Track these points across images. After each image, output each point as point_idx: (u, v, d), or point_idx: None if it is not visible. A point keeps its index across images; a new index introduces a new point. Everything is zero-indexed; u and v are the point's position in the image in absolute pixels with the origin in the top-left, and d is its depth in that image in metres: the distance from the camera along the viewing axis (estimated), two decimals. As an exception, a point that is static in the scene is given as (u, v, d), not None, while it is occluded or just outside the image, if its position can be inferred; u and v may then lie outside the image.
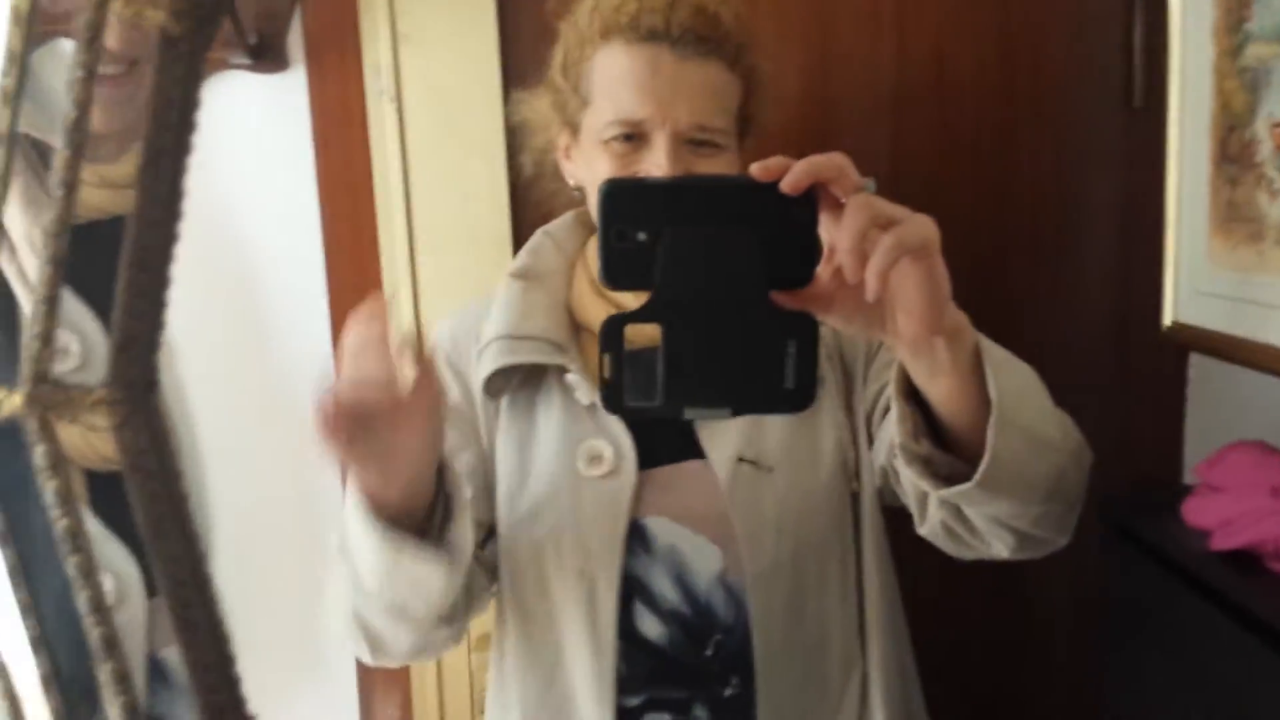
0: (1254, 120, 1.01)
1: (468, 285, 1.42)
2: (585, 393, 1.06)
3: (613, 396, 0.71)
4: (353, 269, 1.48)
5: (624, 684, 1.05)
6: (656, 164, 0.99)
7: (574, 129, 1.07)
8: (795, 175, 0.70)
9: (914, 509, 0.96)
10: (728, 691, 1.05)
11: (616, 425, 1.05)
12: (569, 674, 1.07)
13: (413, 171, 1.43)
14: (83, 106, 0.55)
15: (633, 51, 1.01)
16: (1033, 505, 0.85)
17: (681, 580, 1.04)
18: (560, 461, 1.07)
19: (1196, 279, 1.13)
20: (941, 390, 0.80)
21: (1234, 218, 1.05)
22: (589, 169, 1.05)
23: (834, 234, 0.72)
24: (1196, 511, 1.04)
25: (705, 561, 1.04)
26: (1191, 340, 1.14)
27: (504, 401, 1.11)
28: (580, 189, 1.12)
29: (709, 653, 1.05)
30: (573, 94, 1.06)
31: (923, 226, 0.72)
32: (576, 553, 1.05)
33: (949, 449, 0.84)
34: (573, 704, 1.07)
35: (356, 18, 1.41)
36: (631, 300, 1.06)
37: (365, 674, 1.55)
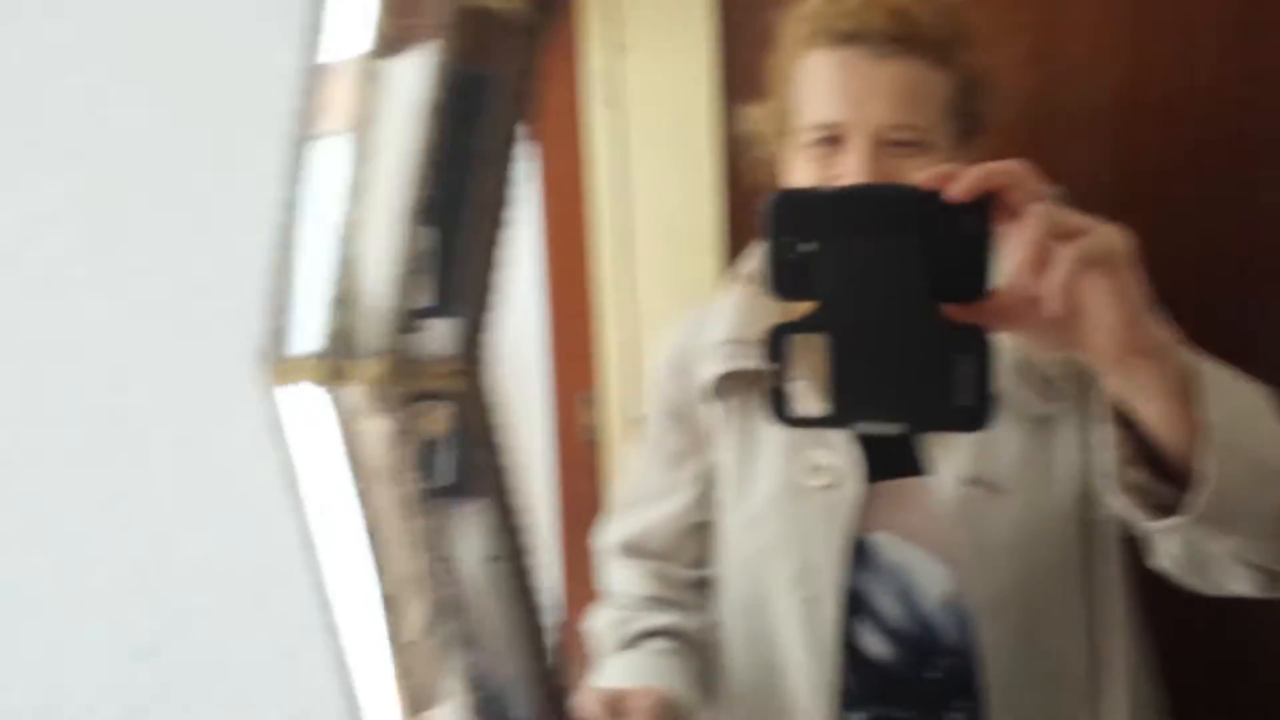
0: None
1: (682, 293, 1.47)
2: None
3: (781, 406, 0.72)
4: (567, 273, 1.56)
5: (848, 699, 1.06)
6: (852, 166, 0.99)
7: (784, 140, 1.09)
8: (963, 183, 0.68)
9: (1141, 540, 0.91)
10: (952, 716, 1.04)
11: (841, 436, 1.05)
12: (790, 683, 1.08)
13: (630, 178, 1.49)
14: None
15: (828, 56, 1.01)
16: (1266, 540, 0.80)
17: (907, 599, 1.04)
18: (783, 471, 1.07)
19: None
20: (1152, 414, 0.76)
21: None
22: (794, 175, 1.06)
23: (1012, 246, 0.70)
24: None
25: (932, 582, 1.04)
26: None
27: (727, 406, 1.12)
28: None
29: (935, 675, 1.04)
30: (780, 103, 1.09)
31: (1108, 237, 0.69)
32: (797, 564, 1.06)
33: (1170, 479, 0.79)
34: (793, 715, 1.08)
35: (573, 27, 1.46)
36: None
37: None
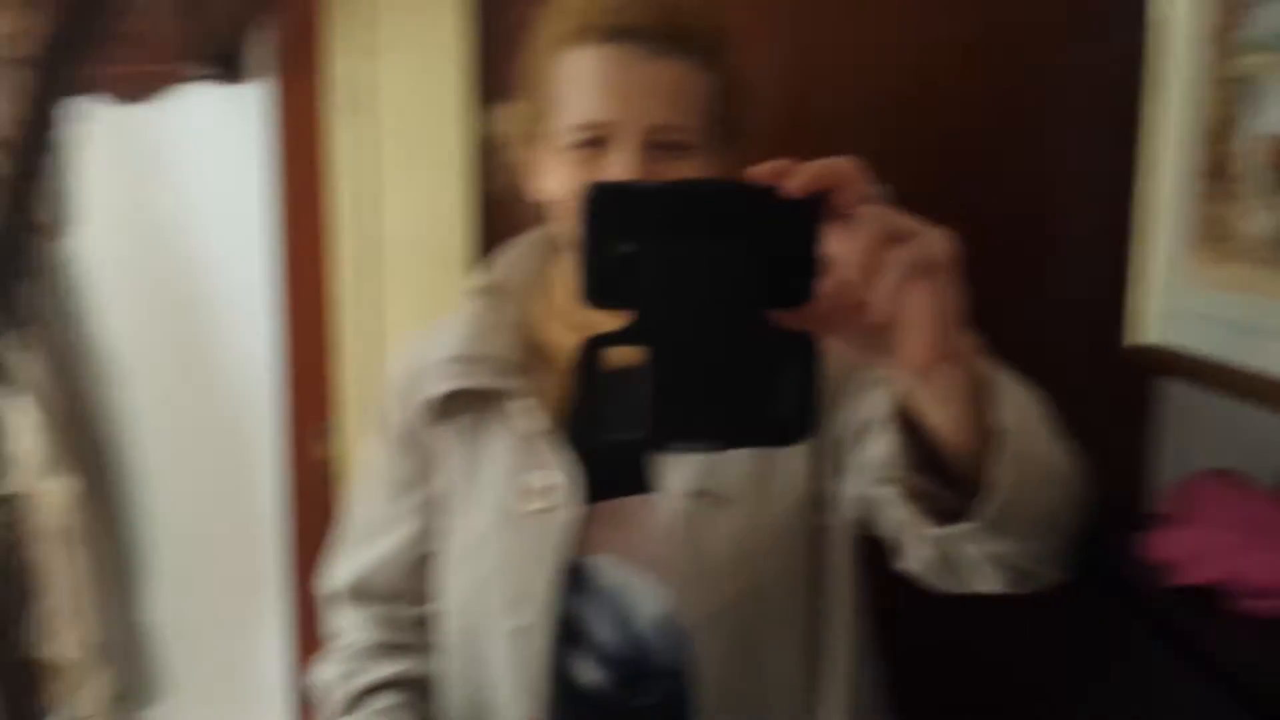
0: (1238, 133, 0.99)
1: (433, 304, 1.38)
2: (534, 421, 1.01)
3: (589, 428, 0.65)
4: (306, 287, 1.44)
5: None
6: (623, 165, 0.95)
7: (538, 140, 1.03)
8: (798, 179, 0.64)
9: (893, 542, 0.89)
10: None
11: (562, 456, 1.00)
12: (502, 718, 1.03)
13: (379, 187, 1.40)
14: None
15: (593, 53, 0.97)
16: (1038, 541, 0.78)
17: (624, 622, 0.99)
18: (500, 495, 1.02)
19: (1173, 299, 1.11)
20: (945, 420, 0.73)
21: (1215, 235, 1.02)
22: (550, 179, 1.01)
23: (839, 248, 0.65)
24: (1163, 544, 1.00)
25: (650, 602, 0.99)
26: (1163, 363, 1.11)
27: (455, 428, 1.05)
28: (545, 205, 1.06)
29: (648, 700, 1.00)
30: (534, 104, 1.02)
31: (940, 242, 0.66)
32: (510, 593, 1.00)
33: (949, 484, 0.76)
34: None
35: (318, 30, 1.37)
36: (601, 321, 1.02)
37: (304, 711, 1.49)
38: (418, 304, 1.42)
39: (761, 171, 0.64)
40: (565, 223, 1.00)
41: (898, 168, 1.32)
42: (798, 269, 0.66)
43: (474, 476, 1.04)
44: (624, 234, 0.63)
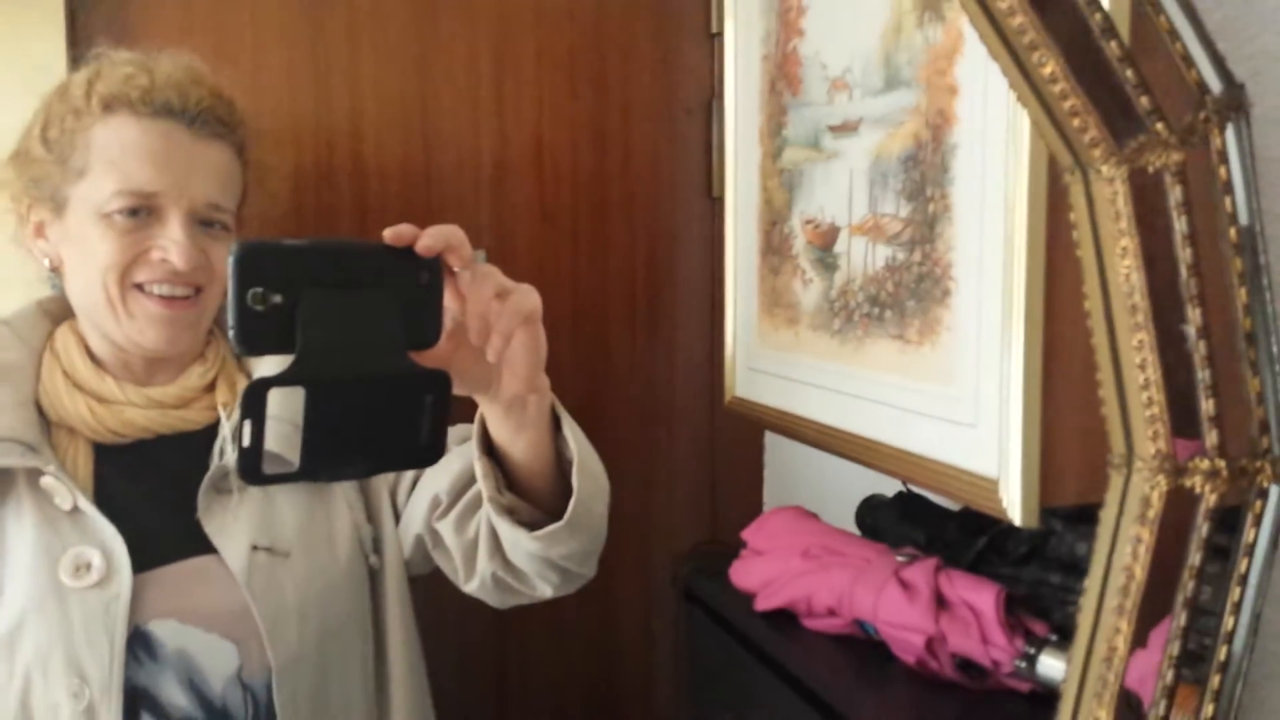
0: (791, 216, 1.14)
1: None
2: (65, 497, 0.98)
3: (252, 466, 0.69)
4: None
5: None
6: (174, 239, 0.98)
7: (57, 204, 1.01)
8: (428, 240, 0.75)
9: (460, 569, 1.02)
10: None
11: (105, 528, 0.98)
12: None
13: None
14: None
15: (145, 125, 0.99)
16: (592, 541, 0.94)
17: (193, 685, 0.98)
18: (39, 575, 0.97)
19: (749, 357, 1.25)
20: (525, 444, 0.88)
21: (776, 303, 1.18)
22: (80, 246, 0.99)
23: (452, 301, 0.78)
24: (741, 574, 1.12)
25: (219, 661, 0.99)
26: (747, 413, 1.25)
27: None
28: (56, 270, 1.05)
29: None
30: (58, 165, 1.00)
31: (532, 295, 0.81)
32: (69, 672, 0.95)
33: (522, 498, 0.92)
34: None
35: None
36: (118, 390, 1.03)
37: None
38: None
39: (391, 233, 0.74)
40: (91, 289, 0.99)
41: (519, 233, 1.45)
42: (426, 317, 0.76)
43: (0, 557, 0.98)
44: (273, 286, 0.69)
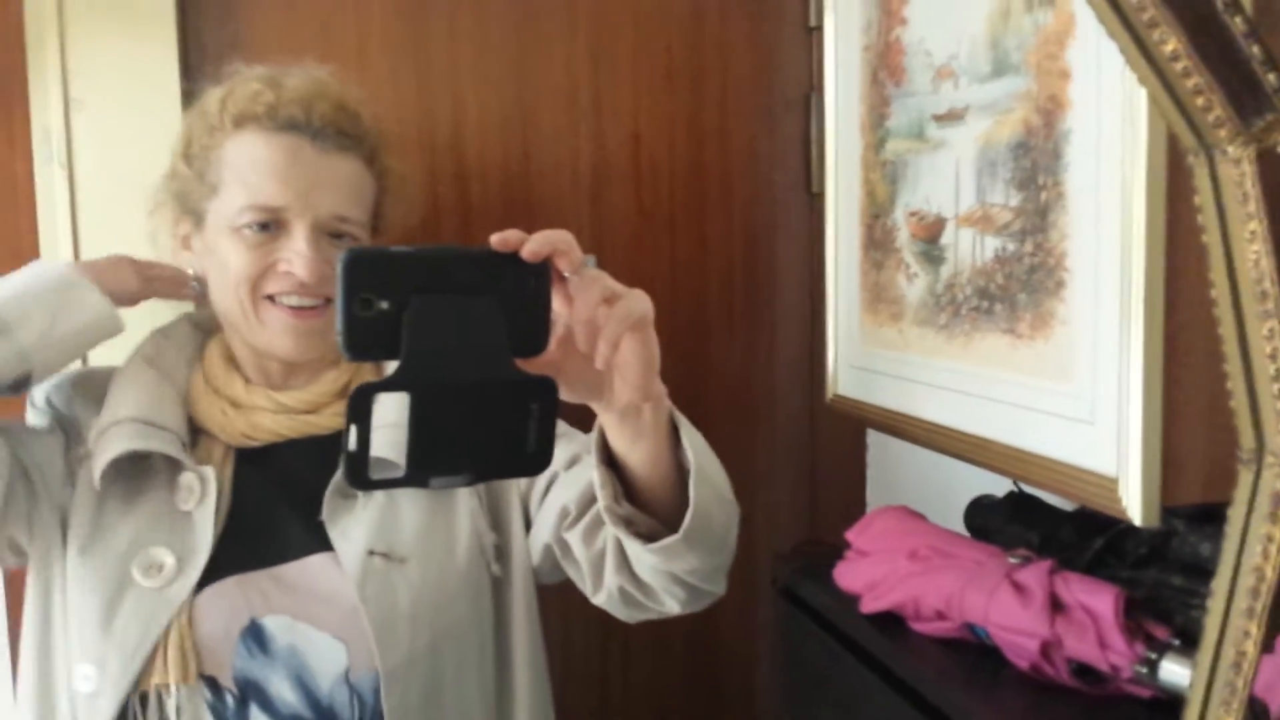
0: (894, 209, 1.12)
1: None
2: (192, 498, 1.02)
3: (357, 471, 0.69)
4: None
5: None
6: (298, 252, 1.00)
7: (198, 217, 1.06)
8: (535, 245, 0.74)
9: (588, 580, 0.99)
10: None
11: (204, 537, 1.01)
12: None
13: (84, 243, 1.34)
14: None
15: (271, 140, 1.02)
16: (715, 557, 0.90)
17: (302, 682, 1.00)
18: (118, 564, 1.01)
19: (851, 354, 1.23)
20: (642, 454, 0.84)
21: (879, 298, 1.15)
22: (216, 258, 1.04)
23: (561, 306, 0.77)
24: (846, 575, 1.10)
25: (328, 661, 1.00)
26: (850, 411, 1.23)
27: (103, 482, 1.02)
28: (200, 280, 1.09)
29: None
30: (197, 181, 1.05)
31: (643, 301, 0.78)
32: (92, 659, 0.99)
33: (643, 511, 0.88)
34: None
35: (26, 80, 1.32)
36: (247, 395, 1.07)
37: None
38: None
39: (498, 239, 0.74)
40: (227, 299, 1.04)
41: (617, 233, 1.45)
42: (534, 323, 0.75)
43: (109, 535, 1.01)
44: (380, 292, 0.69)
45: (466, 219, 1.44)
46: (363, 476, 0.69)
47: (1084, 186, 0.84)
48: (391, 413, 0.71)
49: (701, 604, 0.96)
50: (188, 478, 1.03)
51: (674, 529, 0.85)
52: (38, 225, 1.35)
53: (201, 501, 1.02)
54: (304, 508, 1.03)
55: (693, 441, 0.86)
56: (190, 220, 1.07)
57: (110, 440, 1.01)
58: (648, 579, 0.92)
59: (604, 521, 0.90)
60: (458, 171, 1.43)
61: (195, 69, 1.32)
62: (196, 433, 1.08)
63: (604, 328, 0.76)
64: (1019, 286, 0.92)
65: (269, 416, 1.06)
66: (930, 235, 1.04)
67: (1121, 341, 0.80)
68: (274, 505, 1.05)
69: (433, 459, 0.71)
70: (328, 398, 1.09)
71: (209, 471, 1.03)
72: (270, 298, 1.03)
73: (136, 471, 1.03)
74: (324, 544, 1.02)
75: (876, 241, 1.15)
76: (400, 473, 0.71)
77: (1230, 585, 0.62)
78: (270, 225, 1.01)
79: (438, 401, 0.70)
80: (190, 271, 1.10)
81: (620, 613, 1.00)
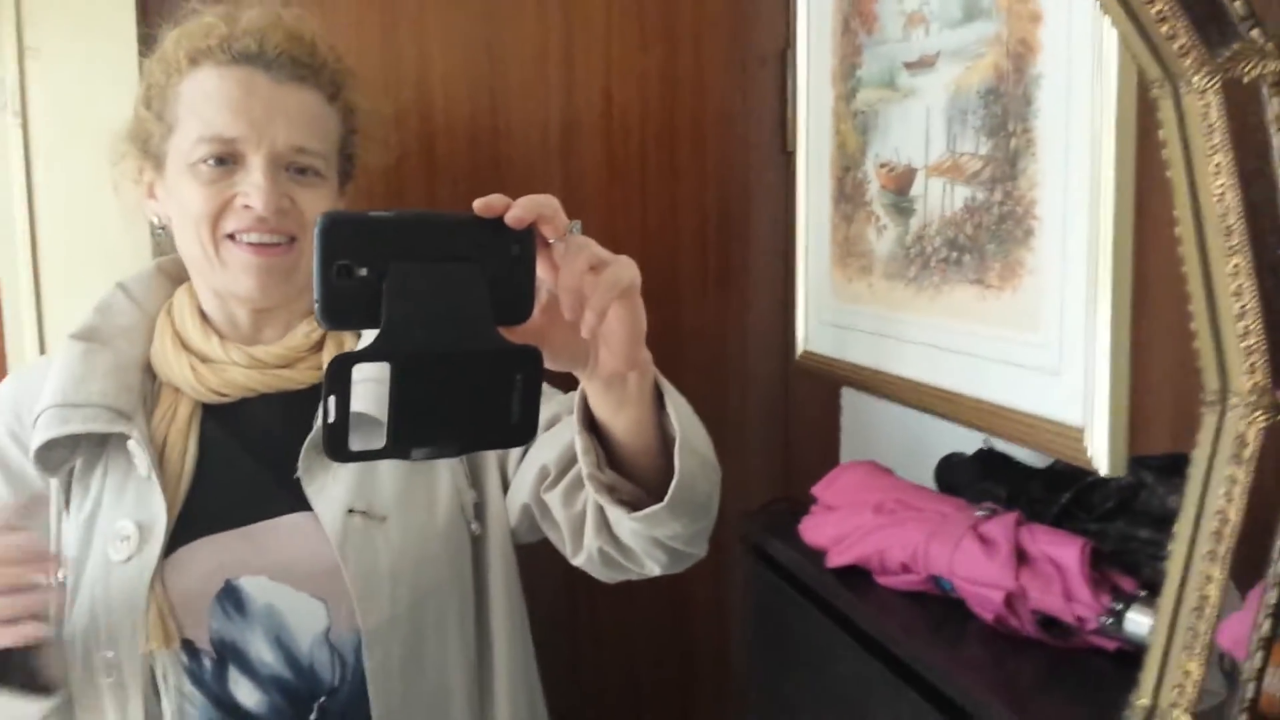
0: (865, 160, 1.10)
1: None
2: (144, 463, 0.99)
3: (337, 442, 0.67)
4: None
5: None
6: (254, 184, 0.97)
7: (158, 161, 1.02)
8: (519, 210, 0.71)
9: (567, 542, 0.98)
10: None
11: (155, 500, 0.99)
12: None
13: (37, 191, 1.32)
14: None
15: (224, 73, 0.99)
16: (698, 522, 0.88)
17: (281, 642, 0.99)
18: (92, 545, 0.99)
19: (822, 310, 1.22)
20: (627, 421, 0.82)
21: (849, 253, 1.14)
22: (176, 200, 1.00)
23: (546, 273, 0.74)
24: (811, 530, 1.09)
25: (307, 620, 0.99)
26: (819, 368, 1.22)
27: (74, 474, 1.01)
28: (165, 228, 1.06)
29: (312, 718, 0.99)
30: (157, 123, 1.01)
31: (629, 268, 0.75)
32: (107, 643, 0.98)
33: (625, 478, 0.86)
34: None
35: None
36: (207, 344, 1.04)
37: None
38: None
39: (481, 204, 0.71)
40: (188, 241, 1.01)
41: (588, 190, 1.43)
42: (517, 290, 0.72)
43: (92, 523, 1.01)
44: (359, 259, 0.67)
45: (431, 175, 1.41)
46: (342, 448, 0.67)
47: (1053, 133, 0.83)
48: (372, 369, 0.69)
49: (682, 566, 0.94)
50: (133, 444, 1.00)
51: (657, 495, 0.83)
52: (-5, 176, 1.32)
53: (152, 466, 0.99)
54: (278, 465, 1.01)
55: (678, 408, 0.84)
56: (152, 165, 1.03)
57: (35, 435, 1.00)
58: (629, 542, 0.90)
59: (584, 484, 0.88)
60: (423, 128, 1.40)
61: (153, 13, 1.28)
62: (159, 390, 1.05)
63: (590, 296, 0.73)
64: (988, 236, 0.91)
65: (240, 372, 1.03)
66: (900, 186, 1.03)
67: (1089, 290, 0.79)
68: (245, 463, 1.03)
69: (414, 430, 0.69)
70: (301, 352, 1.06)
71: (145, 446, 1.00)
72: (231, 236, 0.99)
73: (90, 448, 1.01)
74: (300, 502, 1.00)
75: (847, 195, 1.14)
76: (380, 444, 0.68)
77: (1193, 529, 0.61)
78: (227, 159, 0.98)
79: (418, 371, 0.68)
80: (155, 221, 1.07)
81: (599, 574, 0.98)
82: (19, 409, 1.04)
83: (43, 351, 1.32)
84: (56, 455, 1.00)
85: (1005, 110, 0.88)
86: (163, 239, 1.08)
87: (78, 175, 1.30)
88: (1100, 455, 0.79)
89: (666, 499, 0.82)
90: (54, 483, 1.02)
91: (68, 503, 1.02)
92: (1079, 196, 0.79)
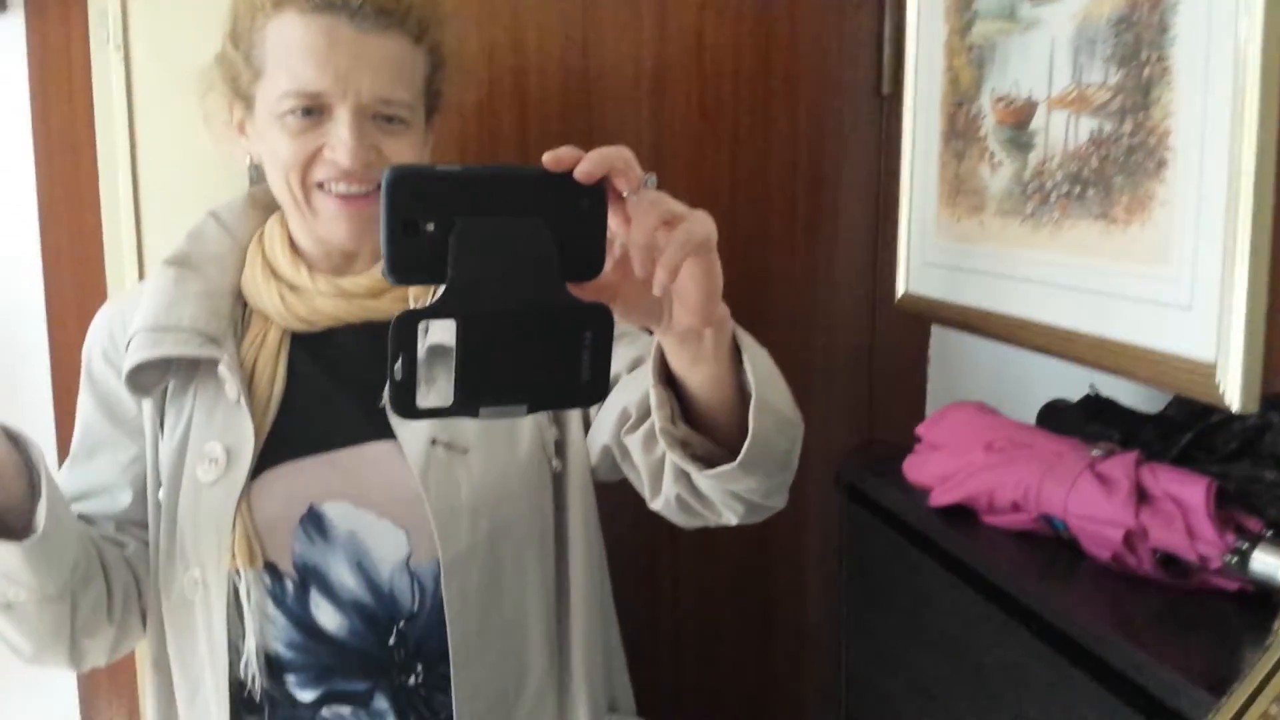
0: (979, 95, 1.08)
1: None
2: (233, 388, 1.01)
3: (405, 399, 0.66)
4: (71, 231, 1.37)
5: (299, 679, 1.02)
6: (339, 138, 0.97)
7: (248, 102, 1.02)
8: (589, 165, 0.69)
9: (646, 486, 0.97)
10: (410, 680, 1.02)
11: (243, 423, 1.00)
12: (205, 687, 1.03)
13: (139, 125, 1.34)
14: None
15: (308, 21, 0.97)
16: (775, 477, 0.87)
17: (362, 568, 1.00)
18: (180, 466, 1.02)
19: (926, 251, 1.20)
20: (702, 377, 0.81)
21: (959, 190, 1.12)
22: (266, 145, 1.01)
23: (619, 227, 0.72)
24: (915, 469, 1.08)
25: (388, 548, 1.00)
26: (922, 309, 1.20)
27: (167, 397, 1.03)
28: (258, 166, 1.06)
29: (391, 642, 1.01)
30: (245, 65, 1.01)
31: (705, 223, 0.72)
32: (195, 561, 1.01)
33: (701, 432, 0.85)
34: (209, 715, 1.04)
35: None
36: (296, 274, 1.05)
37: (86, 682, 1.43)
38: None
39: (550, 157, 0.68)
40: (279, 186, 1.01)
41: (678, 133, 1.41)
42: (587, 246, 0.70)
43: (185, 446, 1.03)
44: (425, 214, 0.65)
45: (523, 115, 1.40)
46: (410, 405, 0.66)
47: (1192, 59, 0.80)
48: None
49: (760, 517, 0.93)
50: (223, 369, 1.01)
51: (733, 451, 0.82)
52: (93, 108, 1.34)
53: (241, 391, 1.01)
54: (363, 394, 1.02)
55: (756, 364, 0.81)
56: (242, 104, 1.04)
57: (127, 357, 1.01)
58: (707, 493, 0.90)
59: None
60: (515, 65, 1.39)
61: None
62: (249, 317, 1.06)
63: (663, 253, 0.70)
64: (1115, 169, 0.88)
65: (328, 301, 1.04)
66: (1019, 120, 1.00)
67: (1228, 222, 0.77)
68: (332, 390, 1.04)
69: (482, 388, 0.68)
70: (387, 283, 1.06)
71: (230, 363, 1.02)
72: (320, 185, 1.00)
73: (182, 373, 1.03)
74: (384, 431, 1.01)
75: (958, 131, 1.12)
76: (449, 402, 0.67)
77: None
78: (313, 111, 0.97)
79: (486, 328, 0.67)
80: (246, 160, 1.07)
81: (677, 519, 0.98)
82: (114, 332, 1.06)
83: (142, 280, 1.34)
84: (148, 378, 1.02)
85: (1138, 39, 0.85)
86: (255, 176, 1.08)
87: (177, 108, 1.31)
88: (1233, 392, 0.77)
89: (739, 458, 0.81)
90: (147, 406, 1.04)
91: (162, 425, 1.04)
92: (1219, 126, 0.77)
